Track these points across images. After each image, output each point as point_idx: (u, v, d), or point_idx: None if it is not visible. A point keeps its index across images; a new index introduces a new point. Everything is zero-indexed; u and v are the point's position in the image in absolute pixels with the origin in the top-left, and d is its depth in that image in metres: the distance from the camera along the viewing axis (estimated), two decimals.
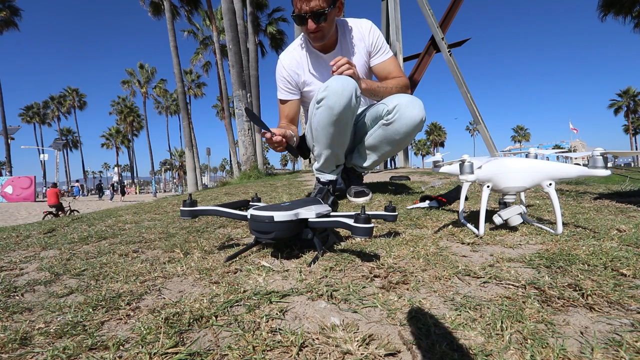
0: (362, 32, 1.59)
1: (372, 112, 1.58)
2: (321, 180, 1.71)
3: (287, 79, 1.66)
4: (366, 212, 0.77)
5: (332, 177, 1.70)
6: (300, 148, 1.79)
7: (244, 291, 0.65)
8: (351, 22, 1.62)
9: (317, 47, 1.60)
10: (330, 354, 0.44)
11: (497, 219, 0.97)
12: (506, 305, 0.55)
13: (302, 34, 1.64)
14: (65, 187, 45.54)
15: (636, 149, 42.70)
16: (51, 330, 0.54)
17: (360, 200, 1.64)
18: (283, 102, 1.71)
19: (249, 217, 0.86)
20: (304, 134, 1.78)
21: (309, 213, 0.87)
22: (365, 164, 1.71)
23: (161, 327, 0.52)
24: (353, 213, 0.89)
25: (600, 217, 1.16)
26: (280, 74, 1.67)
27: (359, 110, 1.70)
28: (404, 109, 1.45)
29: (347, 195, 1.72)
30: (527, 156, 1.08)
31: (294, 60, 1.65)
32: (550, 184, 0.93)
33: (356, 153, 1.73)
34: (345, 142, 1.59)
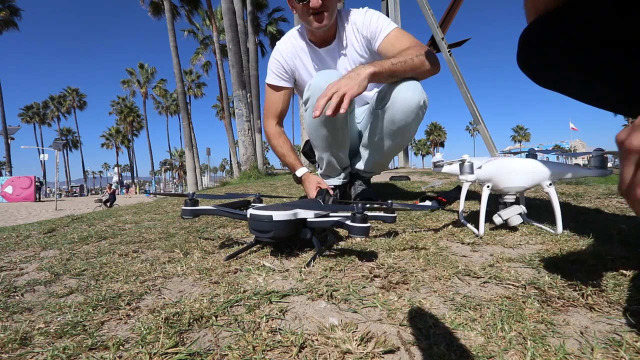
0: (358, 25, 1.43)
1: (369, 107, 1.47)
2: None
3: (282, 64, 1.51)
4: (364, 212, 0.77)
5: (337, 182, 1.59)
6: (306, 154, 1.73)
7: (244, 291, 0.65)
8: (352, 14, 1.46)
9: (315, 38, 1.45)
10: (330, 354, 0.44)
11: (497, 219, 0.97)
12: (506, 305, 0.55)
13: (294, 28, 1.54)
14: (65, 188, 45.49)
15: None
16: (51, 330, 0.54)
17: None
18: (273, 88, 1.54)
19: (248, 216, 0.87)
20: (308, 140, 1.64)
21: (308, 213, 0.87)
22: (368, 167, 1.55)
23: (161, 327, 0.52)
24: (350, 213, 0.89)
25: (600, 217, 1.16)
26: (275, 57, 1.52)
27: (362, 110, 1.60)
28: (397, 93, 1.26)
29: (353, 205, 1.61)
30: (527, 156, 1.07)
31: (291, 47, 1.50)
32: (550, 184, 0.93)
33: (358, 157, 1.59)
34: (344, 143, 1.47)
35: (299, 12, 1.37)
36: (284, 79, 1.53)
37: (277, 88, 1.54)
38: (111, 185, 16.35)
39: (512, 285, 0.63)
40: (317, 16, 1.32)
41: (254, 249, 0.95)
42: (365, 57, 1.47)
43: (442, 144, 59.42)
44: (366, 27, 1.41)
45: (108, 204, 13.01)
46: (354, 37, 1.44)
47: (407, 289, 0.63)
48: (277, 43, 1.56)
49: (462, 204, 1.11)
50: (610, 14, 0.41)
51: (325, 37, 1.44)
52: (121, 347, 0.48)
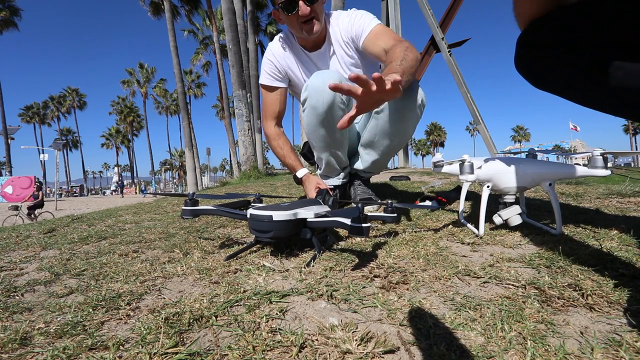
0: (345, 26, 1.43)
1: None
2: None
3: (275, 64, 1.50)
4: (365, 213, 0.77)
5: (337, 182, 1.59)
6: (305, 155, 1.73)
7: (244, 291, 0.65)
8: (339, 16, 1.46)
9: (305, 42, 1.46)
10: (330, 354, 0.44)
11: (497, 219, 0.97)
12: (506, 305, 0.55)
13: (280, 34, 1.54)
14: (65, 187, 45.48)
15: (636, 149, 42.60)
16: (51, 330, 0.54)
17: (367, 208, 1.50)
18: (268, 89, 1.53)
19: (248, 216, 0.87)
20: (307, 141, 1.65)
21: (308, 213, 0.87)
22: (367, 167, 1.55)
23: (161, 327, 0.52)
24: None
25: (600, 217, 1.16)
26: (267, 57, 1.51)
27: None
28: None
29: (353, 205, 1.61)
30: (527, 156, 1.08)
31: (285, 47, 1.51)
32: (550, 184, 0.93)
33: (357, 157, 1.59)
34: (342, 142, 1.47)
35: (287, 23, 1.37)
36: (278, 78, 1.53)
37: (271, 88, 1.54)
38: (39, 184, 10.89)
39: (512, 285, 0.63)
40: (307, 24, 1.32)
41: (254, 249, 0.95)
42: (355, 57, 1.48)
43: (442, 144, 59.39)
44: (351, 26, 1.41)
45: (30, 212, 9.16)
46: (342, 39, 1.45)
47: (407, 289, 0.63)
48: (270, 44, 1.56)
49: (462, 204, 1.11)
50: (607, 16, 0.41)
51: (316, 42, 1.45)
52: (121, 347, 0.48)
